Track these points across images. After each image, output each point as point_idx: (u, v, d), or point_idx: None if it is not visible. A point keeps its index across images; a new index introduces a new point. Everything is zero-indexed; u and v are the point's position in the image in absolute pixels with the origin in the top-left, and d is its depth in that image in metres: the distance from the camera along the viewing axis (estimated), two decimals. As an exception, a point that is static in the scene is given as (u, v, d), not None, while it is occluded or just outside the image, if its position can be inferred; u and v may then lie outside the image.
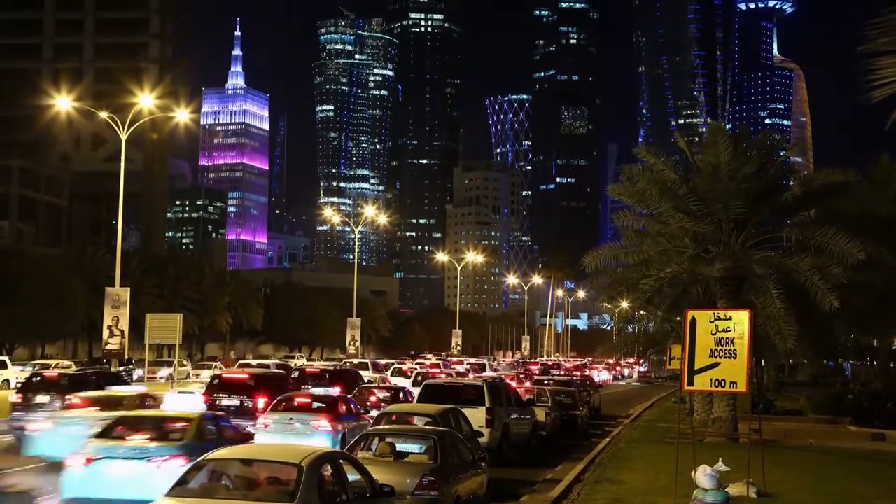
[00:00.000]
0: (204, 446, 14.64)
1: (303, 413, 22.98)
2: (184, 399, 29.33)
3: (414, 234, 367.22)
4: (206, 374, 45.29)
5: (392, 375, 50.73)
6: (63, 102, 58.15)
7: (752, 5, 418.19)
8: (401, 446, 15.28)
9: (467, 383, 27.16)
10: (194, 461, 11.48)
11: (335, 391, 28.10)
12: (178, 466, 13.93)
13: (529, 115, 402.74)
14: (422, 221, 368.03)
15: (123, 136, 48.36)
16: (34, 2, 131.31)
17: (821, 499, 18.69)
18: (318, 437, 21.69)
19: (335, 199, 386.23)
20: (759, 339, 26.47)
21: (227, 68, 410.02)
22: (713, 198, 27.76)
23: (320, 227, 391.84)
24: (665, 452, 22.78)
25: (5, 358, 58.27)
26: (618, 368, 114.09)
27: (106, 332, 46.57)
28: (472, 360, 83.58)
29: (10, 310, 69.18)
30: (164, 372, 63.69)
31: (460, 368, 62.37)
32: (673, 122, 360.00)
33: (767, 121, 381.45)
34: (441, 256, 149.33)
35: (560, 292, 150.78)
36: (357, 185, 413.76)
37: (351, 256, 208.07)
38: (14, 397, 28.51)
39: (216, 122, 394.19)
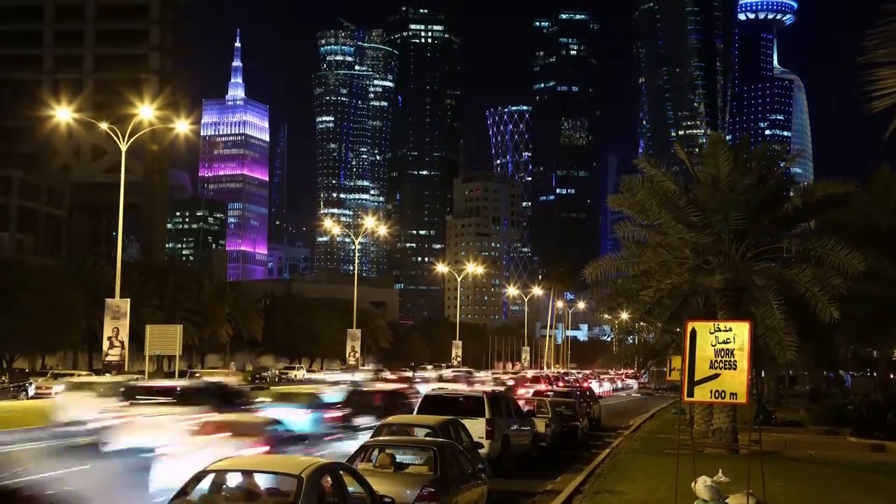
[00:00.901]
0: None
1: None
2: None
3: (414, 245, 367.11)
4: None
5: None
6: (63, 113, 58.11)
7: (751, 17, 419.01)
8: (401, 457, 15.25)
9: (467, 394, 27.05)
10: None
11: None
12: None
13: (529, 126, 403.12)
14: (422, 232, 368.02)
15: (123, 148, 48.42)
16: (34, 13, 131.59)
17: (821, 510, 18.67)
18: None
19: (335, 210, 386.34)
20: (759, 351, 26.43)
21: (227, 79, 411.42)
22: (713, 209, 27.73)
23: (320, 238, 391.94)
24: (665, 463, 22.74)
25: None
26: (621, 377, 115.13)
27: (106, 344, 46.61)
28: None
29: (10, 321, 69.13)
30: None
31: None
32: (673, 134, 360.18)
33: (767, 132, 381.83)
34: (441, 267, 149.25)
35: (560, 303, 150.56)
36: (357, 196, 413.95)
37: (351, 267, 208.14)
38: None
39: (216, 133, 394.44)
